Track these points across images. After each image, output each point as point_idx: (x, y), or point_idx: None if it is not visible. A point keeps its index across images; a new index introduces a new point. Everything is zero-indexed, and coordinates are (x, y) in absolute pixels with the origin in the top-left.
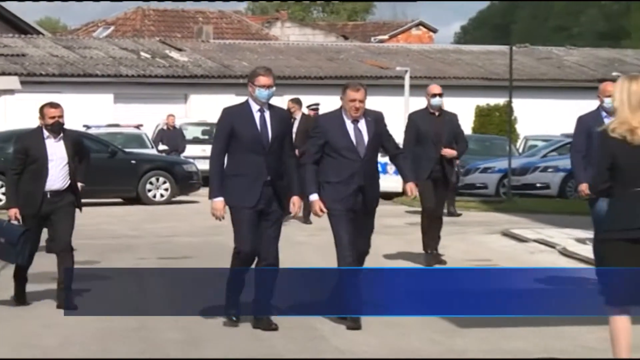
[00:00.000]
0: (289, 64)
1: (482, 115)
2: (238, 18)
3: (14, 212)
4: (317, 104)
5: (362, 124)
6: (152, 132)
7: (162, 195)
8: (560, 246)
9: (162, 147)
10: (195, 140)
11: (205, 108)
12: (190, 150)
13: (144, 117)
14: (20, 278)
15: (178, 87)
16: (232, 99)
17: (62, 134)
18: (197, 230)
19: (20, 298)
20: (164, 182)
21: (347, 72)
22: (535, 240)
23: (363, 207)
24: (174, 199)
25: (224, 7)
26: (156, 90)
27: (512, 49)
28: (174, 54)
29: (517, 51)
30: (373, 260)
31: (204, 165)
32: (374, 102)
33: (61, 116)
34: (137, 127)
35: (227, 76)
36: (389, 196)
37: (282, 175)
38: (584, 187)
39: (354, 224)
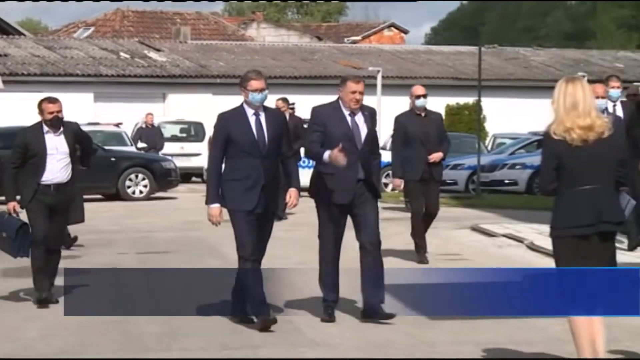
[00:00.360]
0: (265, 64)
1: (452, 113)
2: (215, 19)
3: (12, 205)
4: (293, 104)
5: (359, 117)
6: (132, 130)
7: (141, 192)
8: (528, 240)
9: (141, 144)
10: (173, 138)
11: (183, 107)
12: (169, 147)
13: (124, 115)
14: (38, 274)
15: (156, 86)
16: (209, 98)
17: (61, 128)
18: (175, 225)
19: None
20: (143, 179)
21: (321, 72)
22: (504, 235)
23: (368, 196)
24: (152, 195)
25: (202, 8)
26: (135, 90)
27: (481, 50)
28: (153, 54)
29: (486, 52)
30: (346, 255)
31: (182, 163)
32: None
33: (60, 111)
34: (117, 125)
35: (204, 76)
36: None
37: (279, 179)
38: None
39: (344, 222)
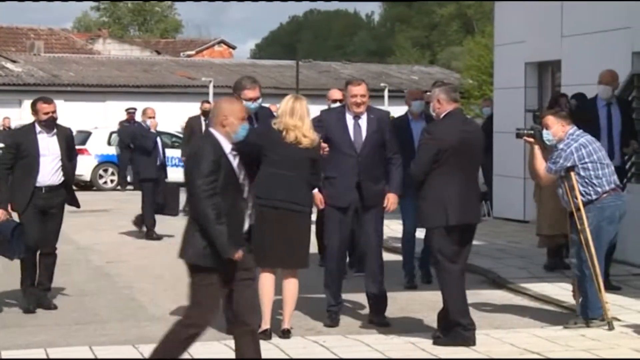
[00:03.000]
0: (110, 74)
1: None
2: (65, 35)
3: (4, 212)
4: (134, 109)
5: (362, 121)
6: None
7: None
8: None
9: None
10: None
11: None
12: None
13: None
14: (27, 277)
15: (13, 93)
16: (60, 104)
17: (55, 130)
18: None
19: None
20: None
21: (160, 81)
22: None
23: (361, 203)
24: None
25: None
26: None
27: (298, 64)
28: (9, 65)
29: (303, 65)
30: None
31: None
32: (183, 108)
33: (54, 111)
34: None
35: (56, 84)
36: None
37: None
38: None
39: (348, 225)
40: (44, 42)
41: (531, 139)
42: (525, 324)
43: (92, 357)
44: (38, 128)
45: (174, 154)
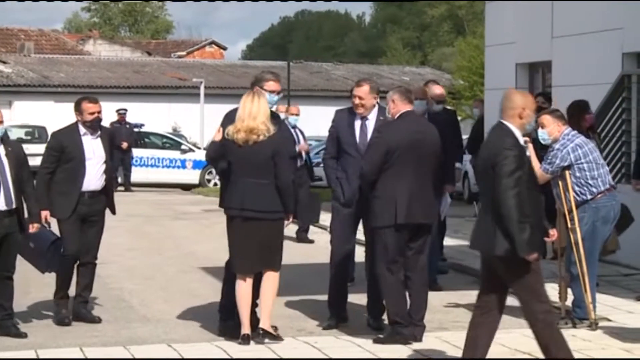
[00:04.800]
0: (101, 75)
1: None
2: (56, 36)
3: (44, 214)
4: (125, 110)
5: (370, 122)
6: None
7: None
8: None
9: None
10: (19, 141)
11: (27, 113)
12: None
13: None
14: (62, 288)
15: (3, 94)
16: (51, 105)
17: (99, 132)
18: None
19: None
20: None
21: (151, 82)
22: (314, 225)
23: (364, 206)
24: None
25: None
26: None
27: (290, 65)
28: (0, 66)
29: (294, 66)
30: (173, 243)
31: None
32: (174, 109)
33: (100, 112)
34: None
35: (47, 85)
36: (188, 187)
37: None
38: None
39: (354, 223)
40: (34, 43)
41: (526, 138)
42: (516, 324)
43: (83, 358)
44: (82, 129)
45: (164, 155)
